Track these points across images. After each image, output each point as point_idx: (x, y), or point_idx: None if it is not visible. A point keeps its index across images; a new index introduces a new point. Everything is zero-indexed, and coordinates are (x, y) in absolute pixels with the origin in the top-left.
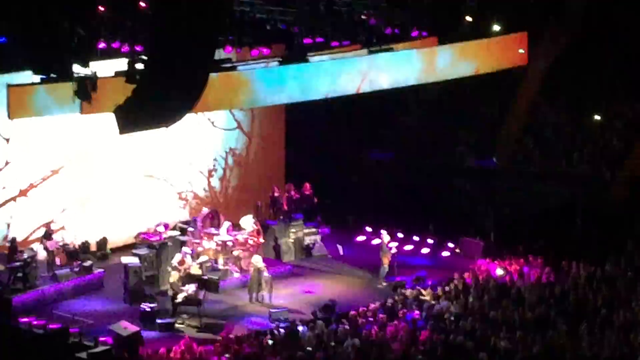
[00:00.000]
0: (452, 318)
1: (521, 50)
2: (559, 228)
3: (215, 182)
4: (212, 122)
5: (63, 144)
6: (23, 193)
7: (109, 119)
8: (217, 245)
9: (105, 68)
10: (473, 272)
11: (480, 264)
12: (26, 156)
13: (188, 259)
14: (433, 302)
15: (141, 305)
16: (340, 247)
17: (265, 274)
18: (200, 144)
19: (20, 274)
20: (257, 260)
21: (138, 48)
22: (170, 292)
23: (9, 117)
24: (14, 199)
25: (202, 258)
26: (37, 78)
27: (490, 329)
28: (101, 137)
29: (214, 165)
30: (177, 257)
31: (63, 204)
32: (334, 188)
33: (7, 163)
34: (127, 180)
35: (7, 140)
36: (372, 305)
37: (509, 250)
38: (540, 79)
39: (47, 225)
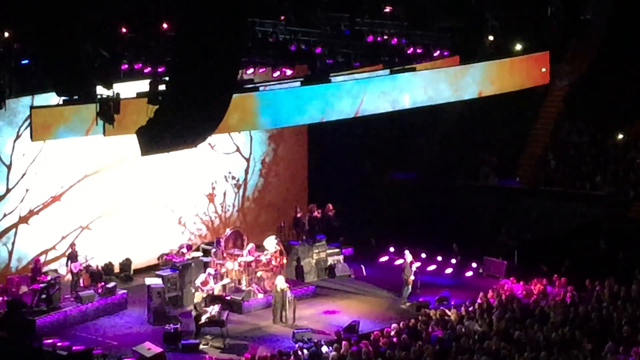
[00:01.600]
0: (476, 338)
1: (543, 70)
2: (583, 248)
3: (238, 203)
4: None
5: (84, 164)
6: (47, 206)
7: (133, 140)
8: (240, 266)
9: (128, 89)
10: (497, 292)
11: (503, 284)
12: (47, 176)
13: (211, 280)
14: (457, 322)
15: (165, 326)
16: (363, 268)
17: (289, 294)
18: (221, 165)
19: (44, 296)
20: (281, 281)
21: (160, 69)
22: (193, 313)
23: (32, 139)
24: (25, 220)
25: (225, 280)
26: (60, 100)
27: (515, 349)
28: (123, 158)
29: (236, 186)
30: (201, 277)
31: (86, 226)
32: (357, 208)
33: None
34: (150, 202)
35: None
36: (395, 326)
37: (532, 270)
38: (562, 98)
39: (71, 246)
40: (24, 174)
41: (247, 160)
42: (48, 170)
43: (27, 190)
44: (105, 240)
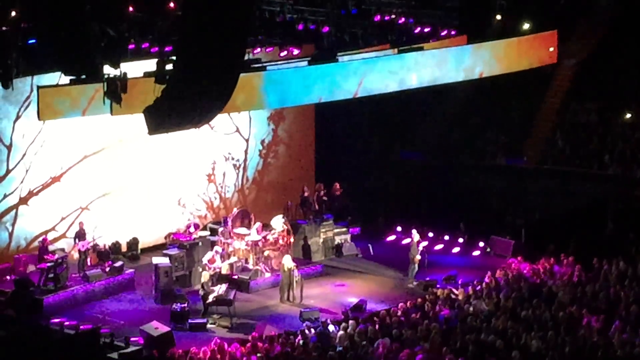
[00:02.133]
0: (484, 317)
1: (551, 49)
2: (590, 227)
3: (245, 182)
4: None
5: (84, 145)
6: (53, 184)
7: (133, 120)
8: (248, 245)
9: (135, 69)
10: (504, 271)
11: (511, 263)
12: (47, 156)
13: (218, 259)
14: (464, 301)
15: (172, 306)
16: (370, 247)
17: (296, 273)
18: (229, 144)
19: (51, 275)
20: (288, 260)
21: (167, 49)
22: (201, 292)
23: (39, 118)
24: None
25: (233, 258)
26: (66, 79)
27: (522, 328)
28: (131, 136)
29: (243, 166)
30: (208, 256)
31: (93, 204)
32: (364, 188)
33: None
34: (157, 180)
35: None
36: (402, 305)
37: (539, 249)
38: (570, 77)
39: (79, 225)
40: (24, 155)
41: (247, 140)
42: (48, 151)
43: (26, 171)
44: (110, 219)
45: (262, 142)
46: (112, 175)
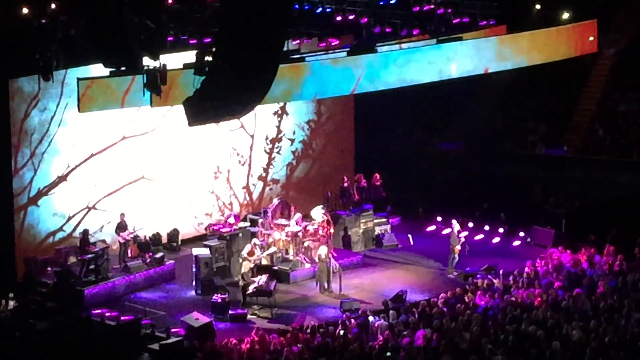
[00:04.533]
0: (524, 307)
1: (591, 38)
2: (631, 216)
3: (286, 174)
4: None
5: (133, 139)
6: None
7: (180, 112)
8: (288, 236)
9: (174, 60)
10: (544, 261)
11: (551, 253)
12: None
13: (257, 250)
14: (504, 291)
15: (212, 297)
16: (410, 237)
17: (334, 263)
18: (267, 134)
19: (92, 266)
20: (324, 250)
21: (206, 40)
22: (241, 283)
23: (79, 110)
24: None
25: (272, 249)
26: (107, 71)
27: (562, 318)
28: (171, 130)
29: (283, 157)
30: (247, 248)
31: (134, 196)
32: (404, 178)
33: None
34: (199, 171)
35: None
36: (443, 295)
37: (580, 239)
38: (610, 66)
39: (120, 217)
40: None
41: (295, 130)
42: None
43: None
44: (151, 211)
45: (305, 130)
46: (152, 166)
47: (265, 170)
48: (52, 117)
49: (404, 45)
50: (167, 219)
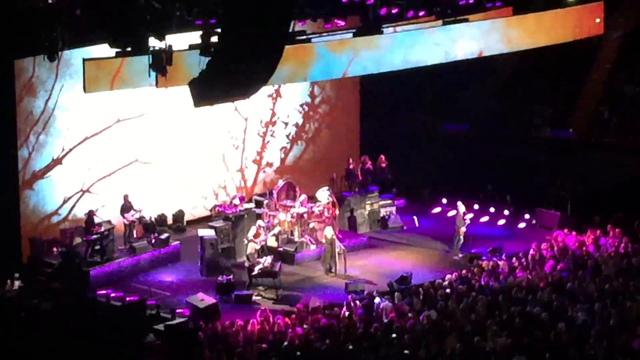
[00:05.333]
0: (529, 289)
1: (597, 20)
2: (637, 199)
3: (291, 155)
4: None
5: (138, 119)
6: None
7: (184, 93)
8: (293, 217)
9: (180, 41)
10: (549, 244)
11: (556, 235)
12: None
13: (262, 232)
14: (509, 273)
15: (217, 278)
16: (415, 219)
17: (339, 244)
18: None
19: (97, 247)
20: (329, 232)
21: (212, 21)
22: (246, 264)
23: (85, 90)
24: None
25: (276, 229)
26: (112, 52)
27: (567, 301)
28: (176, 111)
29: (289, 138)
30: (252, 230)
31: (138, 177)
32: (409, 160)
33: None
34: (203, 152)
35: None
36: (448, 277)
37: (585, 221)
38: (616, 49)
39: (124, 198)
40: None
41: (301, 111)
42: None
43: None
44: (156, 192)
45: (309, 114)
46: (156, 146)
47: (270, 153)
48: (47, 100)
49: (409, 27)
50: (165, 201)
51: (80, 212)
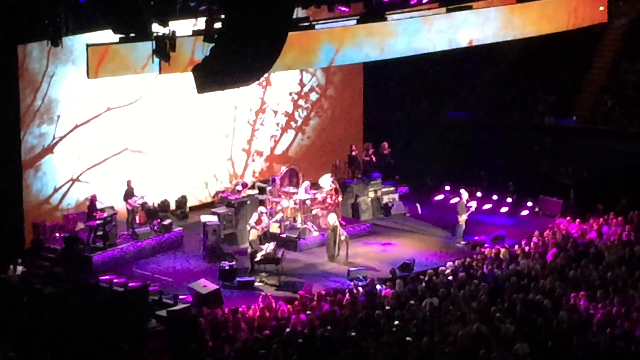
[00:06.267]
0: (531, 277)
1: (601, 8)
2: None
3: (294, 142)
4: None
5: (140, 104)
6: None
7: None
8: (296, 203)
9: (184, 27)
10: (552, 231)
11: (559, 223)
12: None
13: (264, 218)
14: (512, 261)
15: (220, 264)
16: (418, 206)
17: (342, 232)
18: (274, 102)
19: (100, 232)
20: (333, 218)
21: (216, 7)
22: (249, 250)
23: (88, 76)
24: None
25: (279, 215)
26: (116, 37)
27: (570, 288)
28: (179, 97)
29: (290, 125)
30: (254, 217)
31: (141, 163)
32: (413, 147)
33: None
34: (206, 139)
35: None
36: (450, 264)
37: (588, 209)
38: (620, 36)
39: (127, 184)
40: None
41: (300, 98)
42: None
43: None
44: (159, 178)
45: (310, 101)
46: (162, 136)
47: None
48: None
49: (414, 14)
50: (176, 186)
51: (80, 198)
